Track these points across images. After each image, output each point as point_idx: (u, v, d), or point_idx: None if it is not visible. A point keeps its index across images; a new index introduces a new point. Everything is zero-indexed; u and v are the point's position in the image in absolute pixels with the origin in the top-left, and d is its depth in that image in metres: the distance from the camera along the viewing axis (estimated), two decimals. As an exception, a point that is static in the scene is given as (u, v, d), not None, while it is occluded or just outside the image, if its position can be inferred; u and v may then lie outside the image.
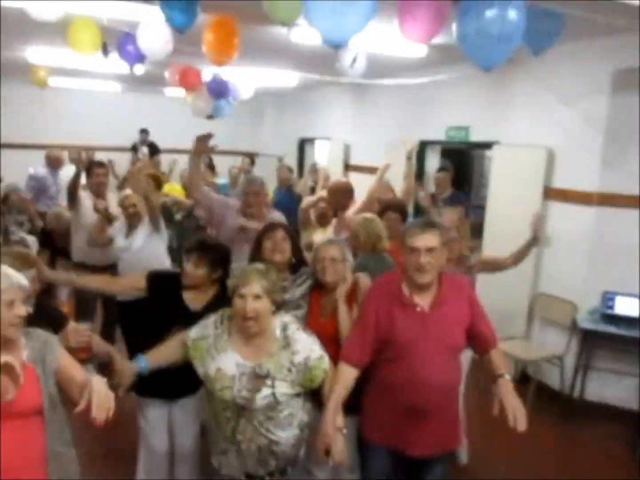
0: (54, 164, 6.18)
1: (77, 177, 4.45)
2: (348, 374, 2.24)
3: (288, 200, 5.88)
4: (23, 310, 1.81)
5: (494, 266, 3.62)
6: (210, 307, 2.50)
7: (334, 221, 4.37)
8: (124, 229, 4.01)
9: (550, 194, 4.68)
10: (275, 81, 7.35)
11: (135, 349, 2.43)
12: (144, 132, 9.52)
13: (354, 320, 2.45)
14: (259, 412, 2.13)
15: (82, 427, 2.00)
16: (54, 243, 4.78)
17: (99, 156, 7.00)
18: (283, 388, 2.13)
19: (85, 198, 4.56)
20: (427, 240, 2.17)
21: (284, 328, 2.20)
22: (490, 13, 2.41)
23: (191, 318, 2.43)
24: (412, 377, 2.19)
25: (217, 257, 2.68)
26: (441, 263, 2.24)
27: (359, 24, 2.19)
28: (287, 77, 7.11)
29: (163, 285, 2.69)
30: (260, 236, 2.84)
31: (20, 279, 1.84)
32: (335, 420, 2.11)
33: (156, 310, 2.59)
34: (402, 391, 2.21)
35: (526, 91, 4.90)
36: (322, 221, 4.42)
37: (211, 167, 8.36)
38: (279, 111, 10.28)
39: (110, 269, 4.22)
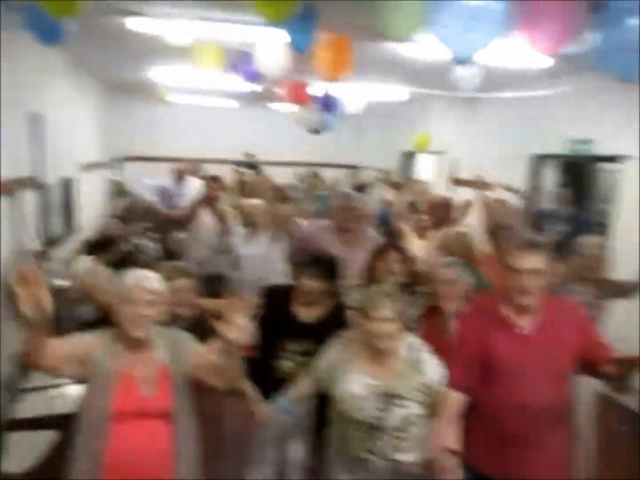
0: (178, 176, 6.61)
1: (202, 201, 4.63)
2: (460, 401, 2.17)
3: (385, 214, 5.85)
4: (150, 311, 1.91)
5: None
6: (324, 321, 2.52)
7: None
8: (245, 238, 4.14)
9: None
10: (384, 95, 7.35)
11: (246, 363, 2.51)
12: (249, 155, 9.71)
13: (453, 344, 2.36)
14: (390, 432, 2.13)
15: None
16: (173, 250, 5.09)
17: (214, 169, 7.46)
18: (414, 409, 2.14)
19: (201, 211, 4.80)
20: (532, 261, 2.05)
21: (413, 349, 2.21)
22: (631, 22, 2.24)
23: (304, 331, 2.46)
24: (512, 403, 2.09)
25: (332, 270, 2.69)
26: (546, 284, 2.11)
27: (488, 39, 2.12)
28: (396, 92, 7.09)
29: (276, 300, 2.73)
30: (373, 257, 2.81)
31: (152, 282, 1.95)
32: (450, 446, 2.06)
33: (269, 325, 2.63)
34: (503, 417, 2.12)
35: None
36: (421, 233, 4.35)
37: (316, 176, 8.54)
38: (383, 124, 10.27)
39: (223, 278, 4.39)
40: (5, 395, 3.25)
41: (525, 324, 2.13)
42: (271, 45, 3.89)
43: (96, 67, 6.69)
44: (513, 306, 2.13)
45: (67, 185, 5.86)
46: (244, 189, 5.96)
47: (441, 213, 4.27)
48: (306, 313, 2.67)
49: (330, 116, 6.27)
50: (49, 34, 3.19)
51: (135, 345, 1.94)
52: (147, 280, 1.95)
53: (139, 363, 1.94)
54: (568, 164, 6.14)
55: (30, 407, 3.22)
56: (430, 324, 2.62)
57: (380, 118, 10.28)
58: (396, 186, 6.70)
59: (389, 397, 2.12)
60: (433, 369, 2.19)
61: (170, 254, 5.16)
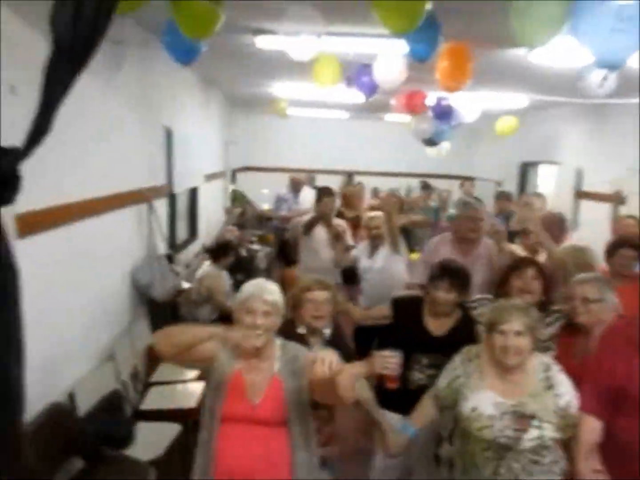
0: (295, 186, 6.84)
1: (318, 219, 4.63)
2: (595, 427, 2.05)
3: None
4: (266, 321, 1.94)
5: None
6: (455, 334, 2.47)
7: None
8: (366, 250, 4.16)
9: None
10: (502, 104, 7.09)
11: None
12: (349, 175, 9.56)
13: (588, 367, 2.23)
14: (524, 454, 2.04)
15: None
16: (288, 255, 5.25)
17: (326, 180, 7.61)
18: (550, 431, 2.04)
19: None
20: None
21: (546, 368, 2.12)
22: None
23: (434, 344, 2.43)
24: None
25: (464, 282, 2.65)
26: None
27: (635, 45, 1.95)
28: (516, 99, 6.81)
29: (407, 311, 2.72)
30: (508, 272, 2.72)
31: (269, 293, 1.99)
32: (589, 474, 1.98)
33: (398, 336, 2.61)
34: (632, 456, 1.98)
35: None
36: (533, 250, 4.08)
37: (426, 187, 8.40)
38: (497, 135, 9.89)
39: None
40: (136, 387, 3.51)
41: None
42: (390, 57, 3.91)
43: (222, 83, 7.11)
44: None
45: (192, 194, 6.27)
46: (346, 201, 5.98)
47: (553, 230, 3.97)
48: (436, 325, 2.64)
49: (446, 126, 6.15)
50: (185, 55, 3.44)
51: (252, 353, 1.98)
52: (265, 291, 1.99)
53: (252, 371, 1.98)
54: None
55: (157, 399, 3.46)
56: (565, 344, 2.49)
57: (495, 127, 9.92)
58: (507, 198, 6.38)
59: (524, 418, 2.03)
60: (568, 391, 2.08)
61: (285, 260, 5.33)
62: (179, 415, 3.24)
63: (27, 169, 1.70)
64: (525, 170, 9.02)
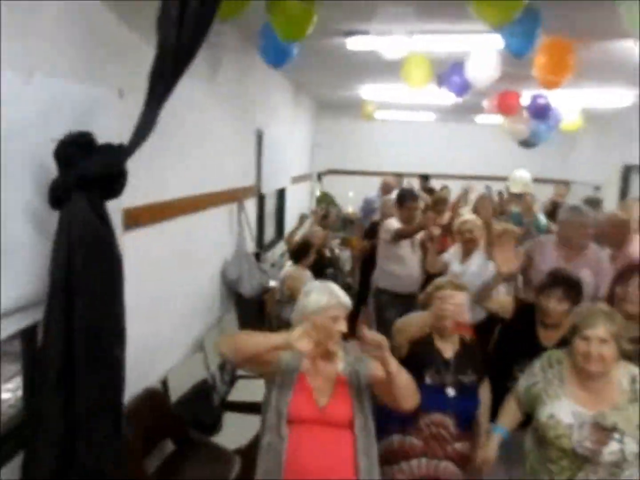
0: (385, 189, 6.82)
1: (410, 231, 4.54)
2: None
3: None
4: (343, 326, 1.94)
5: None
6: (562, 344, 2.36)
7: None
8: (458, 255, 4.06)
9: None
10: (603, 102, 6.65)
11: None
12: (424, 178, 9.18)
13: None
14: (602, 467, 1.95)
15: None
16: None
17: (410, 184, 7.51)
18: (632, 445, 1.93)
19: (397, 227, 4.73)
20: None
21: (633, 380, 2.01)
22: None
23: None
24: None
25: (577, 292, 2.53)
26: None
27: None
28: (618, 97, 6.37)
29: (520, 319, 2.64)
30: (614, 280, 2.64)
31: (343, 297, 1.98)
32: None
33: (509, 343, 2.56)
34: None
35: None
36: None
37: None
38: (599, 134, 9.29)
39: (410, 297, 4.32)
40: (224, 378, 3.63)
41: None
42: (484, 53, 3.78)
43: (312, 86, 7.22)
44: None
45: (280, 195, 6.41)
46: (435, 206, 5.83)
47: (615, 234, 3.67)
48: (547, 336, 2.55)
49: (544, 127, 5.86)
50: (278, 58, 3.52)
51: (318, 354, 1.97)
52: (343, 297, 1.99)
53: (319, 372, 1.98)
54: None
55: (244, 392, 3.56)
56: None
57: (595, 127, 9.33)
58: (595, 205, 5.92)
59: (605, 430, 1.94)
60: None
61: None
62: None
63: (133, 166, 1.84)
64: (628, 173, 8.39)
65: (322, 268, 5.30)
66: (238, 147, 4.41)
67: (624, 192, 8.36)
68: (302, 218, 6.21)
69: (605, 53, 4.24)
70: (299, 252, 4.81)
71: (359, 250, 6.24)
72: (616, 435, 1.93)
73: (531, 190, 6.77)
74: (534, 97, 5.51)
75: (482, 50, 3.81)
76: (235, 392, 3.58)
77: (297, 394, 1.94)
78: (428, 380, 2.28)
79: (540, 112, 5.54)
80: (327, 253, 6.09)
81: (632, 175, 8.38)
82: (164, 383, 2.91)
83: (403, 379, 1.92)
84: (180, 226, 3.20)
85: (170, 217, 3.04)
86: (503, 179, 9.24)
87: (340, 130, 10.74)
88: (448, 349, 2.36)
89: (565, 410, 2.01)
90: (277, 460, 1.91)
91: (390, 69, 4.52)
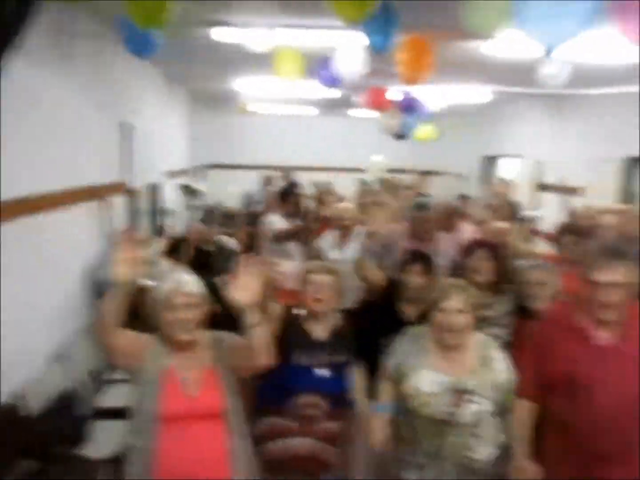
0: (266, 181, 6.82)
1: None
2: (530, 410, 2.15)
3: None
4: (190, 314, 1.90)
5: None
6: (423, 318, 2.49)
7: None
8: (334, 241, 4.13)
9: None
10: (465, 97, 7.17)
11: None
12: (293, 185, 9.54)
13: (526, 350, 2.29)
14: (464, 428, 2.10)
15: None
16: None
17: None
18: (487, 406, 2.10)
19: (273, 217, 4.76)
20: (613, 274, 1.92)
21: (485, 346, 2.19)
22: None
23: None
24: (593, 419, 1.98)
25: (433, 267, 2.75)
26: (630, 296, 1.97)
27: (576, 28, 2.00)
28: (478, 93, 6.90)
29: (388, 293, 2.79)
30: (462, 255, 2.88)
31: (190, 285, 1.94)
32: (527, 456, 2.08)
33: (377, 317, 2.67)
34: (575, 433, 2.02)
35: None
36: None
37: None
38: (462, 128, 10.02)
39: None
40: (94, 385, 3.43)
41: (603, 335, 2.02)
42: (350, 49, 3.89)
43: (186, 79, 7.02)
44: (592, 318, 2.02)
45: (153, 191, 6.16)
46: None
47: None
48: (409, 310, 2.71)
49: (412, 120, 6.18)
50: (140, 47, 3.37)
51: (181, 347, 1.95)
52: (185, 284, 1.95)
53: (185, 364, 1.95)
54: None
55: (115, 397, 3.39)
56: (519, 324, 2.58)
57: (458, 122, 10.06)
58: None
59: (461, 393, 2.09)
60: (505, 368, 2.16)
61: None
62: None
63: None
64: (488, 163, 9.15)
65: (203, 264, 5.18)
66: (99, 141, 4.16)
67: (484, 181, 9.10)
68: (171, 214, 5.95)
69: (462, 51, 4.55)
70: (174, 249, 4.66)
71: (243, 243, 6.19)
72: (473, 398, 2.09)
73: (386, 175, 7.27)
74: (405, 92, 5.77)
75: (349, 45, 3.92)
76: (106, 398, 3.40)
77: (166, 389, 1.90)
78: (299, 360, 2.32)
79: (409, 105, 5.82)
80: (210, 249, 5.95)
81: (491, 165, 9.16)
82: (21, 397, 2.68)
83: (264, 329, 1.93)
84: (35, 225, 2.96)
85: (21, 215, 2.80)
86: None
87: (221, 123, 10.57)
88: (320, 330, 2.41)
89: (426, 379, 2.13)
90: (147, 463, 1.86)
91: (261, 62, 4.51)
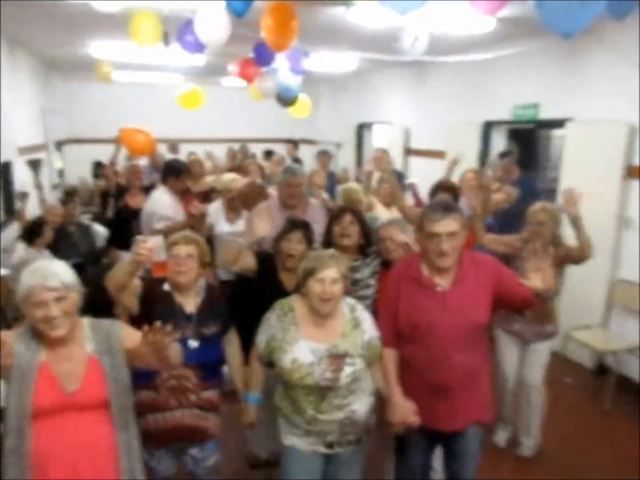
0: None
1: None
2: (392, 356, 2.34)
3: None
4: (58, 309, 1.79)
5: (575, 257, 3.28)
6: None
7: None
8: (222, 214, 3.99)
9: (632, 172, 4.38)
10: (333, 66, 7.25)
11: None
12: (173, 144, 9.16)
13: (381, 302, 2.51)
14: (342, 389, 2.20)
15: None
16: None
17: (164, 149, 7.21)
18: (361, 364, 2.23)
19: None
20: (447, 225, 2.16)
21: (352, 309, 2.30)
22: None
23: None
24: (433, 358, 2.22)
25: (311, 234, 2.82)
26: (461, 244, 2.22)
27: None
28: (345, 61, 7.01)
29: (265, 266, 2.80)
30: (330, 222, 2.97)
31: (54, 278, 1.80)
32: (399, 395, 2.28)
33: (257, 290, 2.70)
34: (425, 371, 2.25)
35: (602, 63, 4.59)
36: (387, 202, 4.42)
37: (269, 154, 8.45)
38: (335, 97, 10.19)
39: None
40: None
41: (443, 282, 2.24)
42: (211, 13, 3.74)
43: (31, 43, 6.33)
44: (432, 267, 2.25)
45: (4, 170, 5.58)
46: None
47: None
48: (289, 280, 2.75)
49: (290, 83, 6.05)
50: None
51: (56, 341, 1.84)
52: (50, 276, 1.81)
53: (60, 358, 1.85)
54: (513, 131, 6.20)
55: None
56: (384, 280, 2.71)
57: (331, 91, 10.20)
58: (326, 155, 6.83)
59: (339, 358, 2.18)
60: (371, 326, 2.30)
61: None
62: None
63: None
64: (362, 131, 9.42)
65: (65, 246, 4.82)
66: None
67: (359, 147, 9.37)
68: (24, 195, 5.36)
69: (328, 17, 4.57)
70: (31, 232, 4.30)
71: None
72: (348, 360, 2.19)
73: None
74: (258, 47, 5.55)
75: (209, 8, 3.76)
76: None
77: (40, 385, 1.79)
78: None
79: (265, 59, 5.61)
80: (72, 230, 5.55)
81: (365, 132, 9.44)
82: None
83: (174, 351, 1.91)
84: None
85: None
86: (254, 141, 9.55)
87: (78, 93, 9.81)
88: (189, 303, 2.39)
89: (304, 350, 2.18)
90: (22, 463, 1.77)
91: (115, 25, 4.20)
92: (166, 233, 3.91)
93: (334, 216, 2.97)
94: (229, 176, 4.15)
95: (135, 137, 5.42)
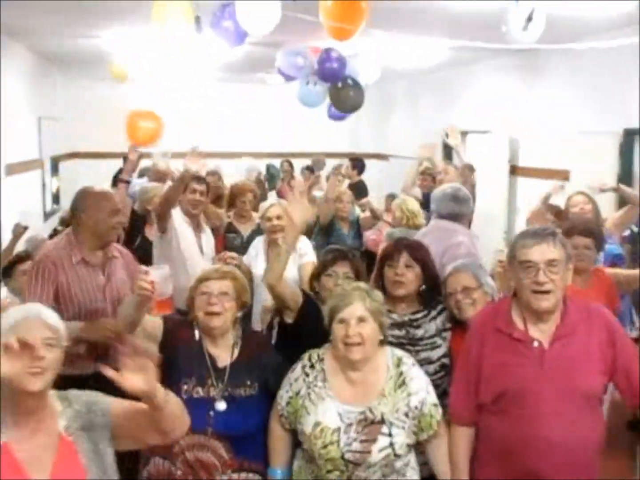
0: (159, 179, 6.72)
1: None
2: (465, 438, 2.31)
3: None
4: (50, 355, 1.81)
5: None
6: None
7: None
8: (262, 252, 4.08)
9: None
10: (413, 58, 7.34)
11: None
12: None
13: (456, 365, 2.50)
14: (375, 468, 2.19)
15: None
16: None
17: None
18: (401, 437, 2.21)
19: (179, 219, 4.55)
20: (545, 252, 2.16)
21: (398, 363, 2.32)
22: None
23: None
24: (529, 434, 2.18)
25: (360, 265, 2.91)
26: (566, 282, 2.20)
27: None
28: (429, 52, 7.07)
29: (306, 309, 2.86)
30: (380, 261, 2.95)
31: (51, 316, 1.88)
32: None
33: (300, 340, 2.71)
34: (517, 451, 2.21)
35: None
36: None
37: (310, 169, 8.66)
38: (415, 98, 10.26)
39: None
40: None
41: (540, 335, 2.22)
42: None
43: (28, 34, 6.70)
44: (527, 312, 2.23)
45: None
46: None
47: None
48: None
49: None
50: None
51: (25, 415, 1.87)
52: (42, 312, 1.91)
53: (27, 439, 1.87)
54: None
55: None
56: (457, 343, 2.70)
57: (408, 92, 10.27)
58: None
59: (373, 425, 2.19)
60: (423, 387, 2.29)
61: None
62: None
63: None
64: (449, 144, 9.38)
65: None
66: None
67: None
68: (18, 228, 5.52)
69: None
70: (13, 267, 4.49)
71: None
72: (384, 429, 2.19)
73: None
74: (326, 52, 5.73)
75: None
76: None
77: (2, 473, 1.81)
78: (191, 392, 2.38)
79: (332, 72, 5.77)
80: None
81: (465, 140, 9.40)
82: None
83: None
84: None
85: None
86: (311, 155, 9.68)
87: (84, 97, 10.24)
88: (222, 355, 2.46)
89: (330, 413, 2.22)
90: None
91: (134, 9, 4.39)
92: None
93: (386, 255, 2.94)
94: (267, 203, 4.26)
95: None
